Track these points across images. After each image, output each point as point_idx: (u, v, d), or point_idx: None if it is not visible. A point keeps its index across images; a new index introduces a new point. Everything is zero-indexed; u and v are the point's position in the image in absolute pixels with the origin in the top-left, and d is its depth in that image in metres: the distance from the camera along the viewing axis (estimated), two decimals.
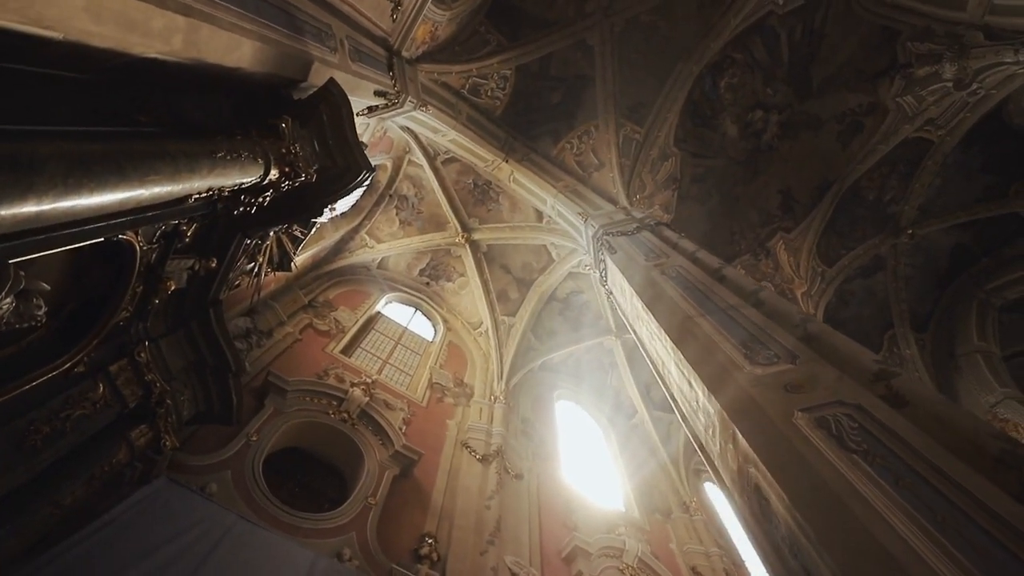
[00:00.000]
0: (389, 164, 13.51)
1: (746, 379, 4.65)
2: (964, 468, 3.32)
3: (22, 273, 3.49)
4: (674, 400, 6.45)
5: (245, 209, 5.63)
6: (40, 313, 3.92)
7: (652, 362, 7.22)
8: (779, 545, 3.94)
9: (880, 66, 11.78)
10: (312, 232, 9.10)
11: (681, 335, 5.87)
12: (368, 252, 14.42)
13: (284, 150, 5.41)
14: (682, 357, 5.66)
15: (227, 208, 5.48)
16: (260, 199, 5.57)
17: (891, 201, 13.27)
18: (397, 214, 14.37)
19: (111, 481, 6.42)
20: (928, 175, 12.75)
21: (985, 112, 11.66)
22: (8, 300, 3.38)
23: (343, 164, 6.30)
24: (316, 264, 13.20)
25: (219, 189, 4.73)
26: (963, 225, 13.09)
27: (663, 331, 6.26)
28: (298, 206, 6.59)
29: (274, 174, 5.36)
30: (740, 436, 4.34)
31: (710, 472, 5.50)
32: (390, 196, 14.13)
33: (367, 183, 7.22)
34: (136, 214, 4.14)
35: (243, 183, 5.06)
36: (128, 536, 6.37)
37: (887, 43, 11.47)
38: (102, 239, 4.37)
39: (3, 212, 2.80)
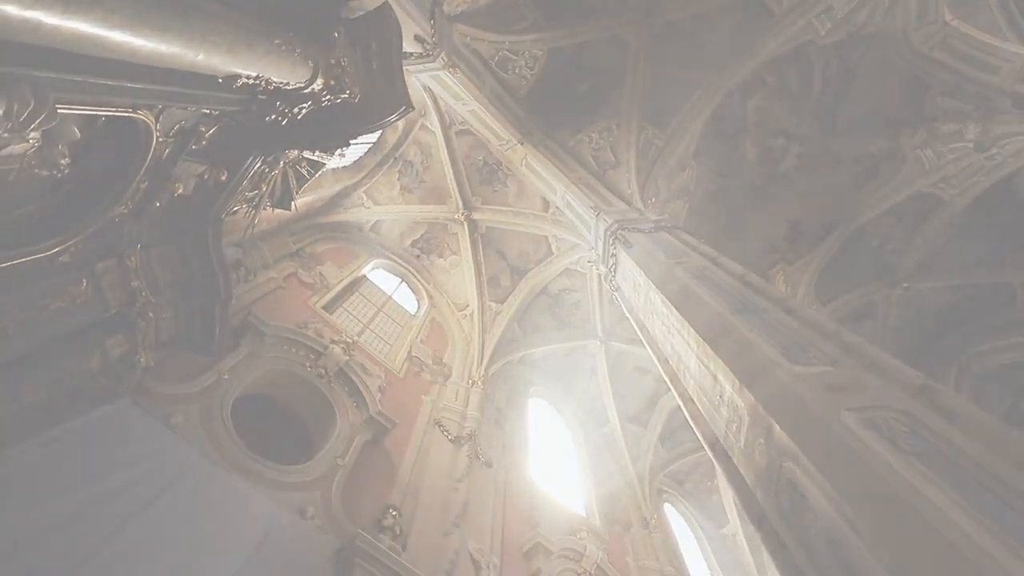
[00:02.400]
0: (400, 124, 13.05)
1: (787, 375, 4.45)
2: None
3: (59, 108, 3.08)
4: (686, 399, 6.24)
5: (276, 118, 5.26)
6: (64, 162, 3.50)
7: (664, 358, 6.99)
8: (811, 541, 3.72)
9: (906, 115, 11.89)
10: (318, 174, 8.82)
11: (711, 331, 5.65)
12: (363, 212, 13.92)
13: (333, 60, 5.07)
14: (708, 351, 5.44)
15: (260, 112, 5.09)
16: (296, 109, 5.20)
17: (893, 251, 13.38)
18: (399, 179, 13.92)
19: (75, 391, 5.92)
20: (932, 232, 12.89)
21: (997, 179, 11.85)
22: (36, 135, 2.95)
23: (385, 93, 5.96)
24: (309, 214, 12.66)
25: (266, 81, 4.37)
26: (956, 287, 13.27)
27: (688, 325, 6.04)
28: (323, 132, 6.21)
29: (319, 83, 5.03)
30: (778, 430, 4.13)
31: (719, 471, 5.29)
32: (395, 159, 13.66)
33: (398, 118, 6.89)
34: (181, 86, 3.76)
35: (288, 84, 4.70)
36: (83, 453, 5.88)
37: (917, 94, 11.59)
38: (131, 110, 3.97)
39: (69, 22, 2.44)
